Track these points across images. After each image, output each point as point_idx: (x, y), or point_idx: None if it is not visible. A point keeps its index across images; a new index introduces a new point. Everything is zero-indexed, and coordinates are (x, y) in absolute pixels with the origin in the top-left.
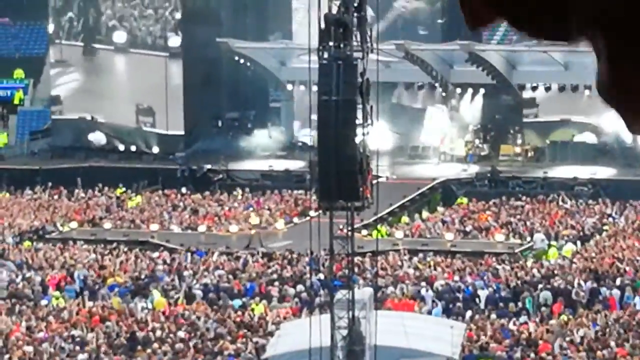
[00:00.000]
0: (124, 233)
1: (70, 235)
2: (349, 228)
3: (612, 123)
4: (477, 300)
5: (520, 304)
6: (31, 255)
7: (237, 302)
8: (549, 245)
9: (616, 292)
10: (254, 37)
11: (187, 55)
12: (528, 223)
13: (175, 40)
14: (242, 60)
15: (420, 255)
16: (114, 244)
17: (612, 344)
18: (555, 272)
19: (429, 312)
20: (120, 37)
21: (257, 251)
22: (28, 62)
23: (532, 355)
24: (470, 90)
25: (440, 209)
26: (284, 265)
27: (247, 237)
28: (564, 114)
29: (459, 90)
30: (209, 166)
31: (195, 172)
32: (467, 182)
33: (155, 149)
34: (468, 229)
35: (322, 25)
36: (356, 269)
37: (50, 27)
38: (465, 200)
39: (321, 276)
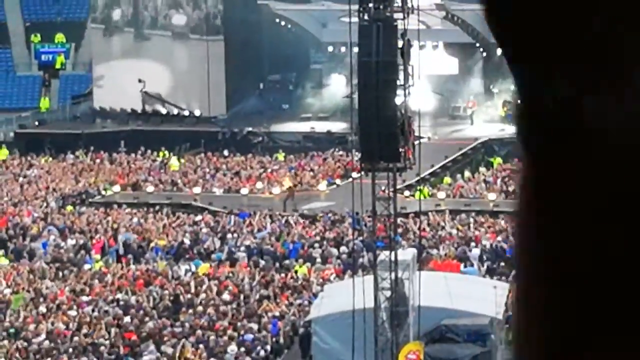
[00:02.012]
0: (166, 196)
1: (112, 199)
2: (391, 189)
3: None
4: None
5: None
6: (74, 219)
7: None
8: None
9: None
10: None
11: (227, 19)
12: None
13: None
14: (282, 23)
15: (463, 215)
16: (157, 207)
17: None
18: None
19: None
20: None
21: (299, 213)
22: (70, 27)
23: None
24: None
25: (482, 169)
26: (326, 226)
27: (284, 199)
28: None
29: (499, 50)
30: (249, 129)
31: (236, 135)
32: (510, 141)
33: (197, 112)
34: (512, 188)
35: None
36: (399, 230)
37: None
38: (500, 160)
39: (364, 237)
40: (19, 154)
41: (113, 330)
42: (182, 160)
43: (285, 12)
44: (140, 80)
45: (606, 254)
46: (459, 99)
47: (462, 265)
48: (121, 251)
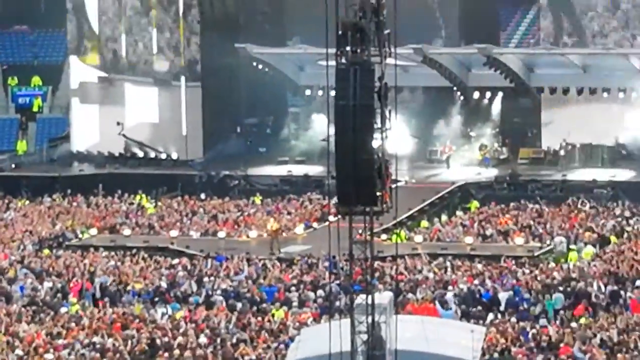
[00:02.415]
0: (143, 240)
1: (89, 242)
2: (368, 232)
3: (630, 126)
4: (497, 303)
5: (540, 307)
6: (51, 262)
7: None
8: (569, 249)
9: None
10: (272, 42)
11: (205, 63)
12: (547, 226)
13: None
14: (260, 66)
15: (440, 259)
16: (134, 251)
17: (632, 346)
18: (575, 275)
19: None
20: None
21: (276, 257)
22: (46, 70)
23: (553, 358)
24: (488, 94)
25: (459, 212)
26: (303, 270)
27: (266, 242)
28: (583, 117)
29: (477, 94)
30: (226, 172)
31: (213, 178)
32: (487, 185)
33: (175, 155)
34: (488, 232)
35: (340, 30)
36: (376, 274)
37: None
38: (477, 204)
39: (341, 281)
40: None
41: None
42: (159, 204)
43: (263, 55)
44: (118, 123)
45: None
46: (437, 142)
47: (439, 309)
48: (98, 294)
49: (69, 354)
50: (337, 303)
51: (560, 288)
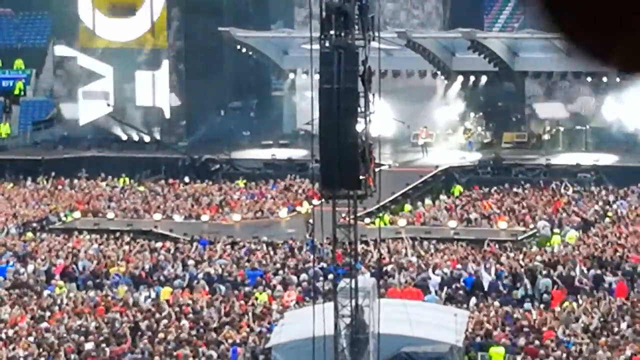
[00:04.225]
0: (127, 223)
1: (73, 225)
2: (352, 216)
3: (613, 110)
4: (480, 287)
5: (523, 291)
6: (35, 246)
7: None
8: (552, 232)
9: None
10: (255, 26)
11: (189, 45)
12: (531, 210)
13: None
14: (244, 50)
15: (424, 243)
16: (117, 234)
17: (615, 330)
18: (559, 259)
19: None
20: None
21: (259, 240)
22: (30, 53)
23: (537, 342)
24: (472, 78)
25: (443, 196)
26: (287, 253)
27: (251, 225)
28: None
29: (461, 78)
30: (208, 156)
31: (195, 162)
32: (470, 169)
33: (157, 136)
34: (472, 216)
35: (324, 14)
36: (359, 257)
37: None
38: (460, 188)
39: (324, 264)
40: None
41: (73, 356)
42: (143, 187)
43: (247, 39)
44: (108, 105)
45: None
46: (420, 126)
47: (422, 292)
48: (81, 277)
49: (53, 336)
50: (320, 286)
51: (544, 272)
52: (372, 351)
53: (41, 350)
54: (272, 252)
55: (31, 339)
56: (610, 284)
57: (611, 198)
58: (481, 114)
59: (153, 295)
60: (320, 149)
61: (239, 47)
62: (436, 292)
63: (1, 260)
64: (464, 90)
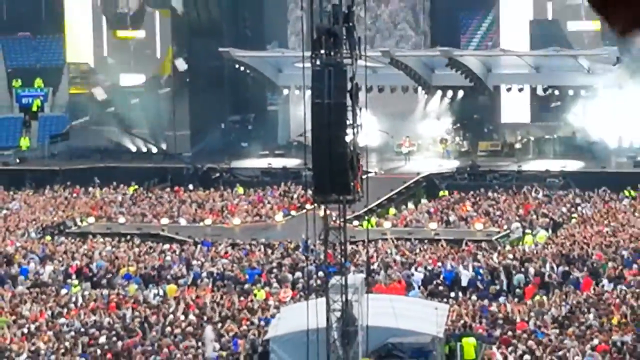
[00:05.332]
0: (137, 227)
1: (88, 229)
2: (342, 219)
3: (580, 121)
4: (459, 283)
5: (498, 287)
6: (53, 248)
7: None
8: (524, 233)
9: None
10: (253, 46)
11: (192, 65)
12: (505, 212)
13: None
14: (242, 68)
15: (408, 243)
16: (128, 237)
17: (582, 321)
18: (530, 257)
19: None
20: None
21: (258, 242)
22: (47, 72)
23: (510, 332)
24: (450, 93)
25: (424, 200)
26: (283, 254)
27: (249, 228)
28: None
29: (439, 92)
30: (209, 165)
31: (198, 170)
32: (449, 175)
33: (164, 146)
34: (451, 219)
35: (315, 35)
36: (349, 257)
37: None
38: (446, 192)
39: (317, 263)
40: (2, 189)
41: (90, 349)
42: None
43: (244, 58)
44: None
45: None
46: (403, 137)
47: (406, 288)
48: (95, 277)
49: (69, 331)
50: (313, 284)
51: (518, 268)
52: (361, 342)
53: (59, 343)
54: (269, 253)
55: (50, 333)
56: (577, 279)
57: (577, 201)
58: (458, 125)
59: (161, 292)
60: (312, 158)
61: (237, 65)
62: (419, 287)
63: (23, 261)
64: (443, 103)
